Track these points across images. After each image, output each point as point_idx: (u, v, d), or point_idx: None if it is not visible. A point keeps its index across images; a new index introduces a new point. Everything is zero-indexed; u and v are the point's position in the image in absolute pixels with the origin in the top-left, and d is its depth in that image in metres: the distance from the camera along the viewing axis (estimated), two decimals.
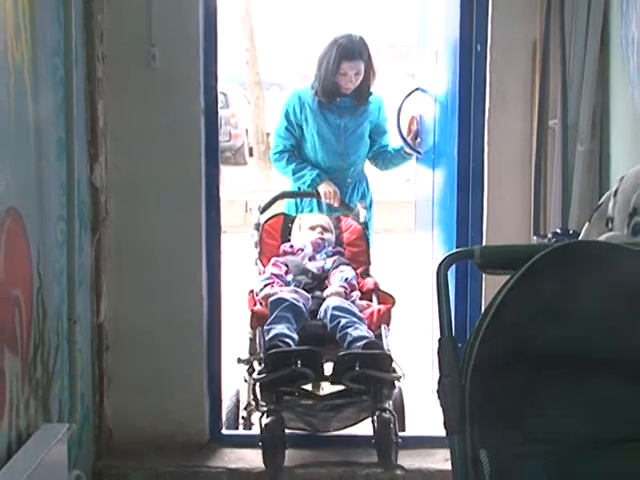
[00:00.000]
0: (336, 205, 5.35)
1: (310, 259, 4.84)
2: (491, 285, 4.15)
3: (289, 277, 4.71)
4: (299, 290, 4.55)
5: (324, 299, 4.54)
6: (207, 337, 4.45)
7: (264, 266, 4.86)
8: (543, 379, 2.04)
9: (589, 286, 2.03)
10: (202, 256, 4.48)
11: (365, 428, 4.45)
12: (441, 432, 4.22)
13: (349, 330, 4.16)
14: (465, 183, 4.56)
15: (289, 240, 5.09)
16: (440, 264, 2.20)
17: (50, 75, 3.69)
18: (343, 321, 4.19)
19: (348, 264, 4.81)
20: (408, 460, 4.41)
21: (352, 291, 4.58)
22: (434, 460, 4.40)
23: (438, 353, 2.11)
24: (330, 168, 5.46)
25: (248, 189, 12.31)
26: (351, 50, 5.31)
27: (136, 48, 4.35)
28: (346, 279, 4.61)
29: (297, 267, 4.79)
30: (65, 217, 3.84)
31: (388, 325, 4.45)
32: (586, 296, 2.03)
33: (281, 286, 4.59)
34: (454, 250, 2.47)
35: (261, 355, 4.21)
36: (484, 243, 4.32)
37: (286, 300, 4.31)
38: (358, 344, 4.08)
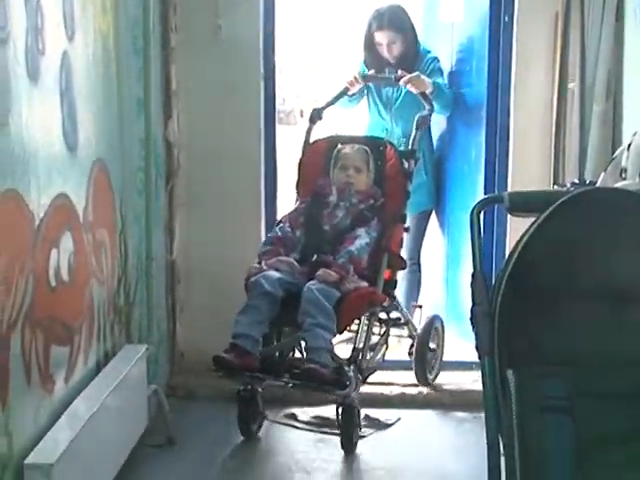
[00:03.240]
0: (416, 90, 4.32)
1: (335, 207, 3.85)
2: (514, 231, 4.14)
3: (298, 232, 3.85)
4: (290, 261, 3.71)
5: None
6: None
7: (301, 197, 4.04)
8: (557, 310, 2.03)
9: (606, 226, 2.03)
10: (261, 200, 4.54)
11: (399, 354, 4.49)
12: (466, 357, 4.36)
13: (307, 336, 3.48)
14: (492, 139, 4.55)
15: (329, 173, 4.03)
16: (473, 208, 2.20)
17: (131, 44, 3.70)
18: (307, 322, 3.46)
19: (368, 220, 3.81)
20: (438, 381, 4.45)
21: (354, 269, 3.68)
22: (462, 382, 4.43)
23: (471, 285, 2.11)
24: (385, 130, 4.77)
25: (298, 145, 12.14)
26: (381, 20, 4.68)
27: (204, 20, 4.36)
28: (351, 255, 3.66)
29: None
30: (143, 168, 3.87)
31: (373, 312, 3.79)
32: (603, 234, 2.03)
33: (279, 252, 3.77)
34: (485, 196, 2.47)
35: None
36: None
37: (261, 286, 3.53)
38: (307, 357, 3.49)
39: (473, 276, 2.12)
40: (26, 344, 2.54)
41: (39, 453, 2.53)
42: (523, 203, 2.18)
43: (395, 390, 4.32)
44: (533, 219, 2.05)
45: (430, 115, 4.21)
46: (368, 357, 3.78)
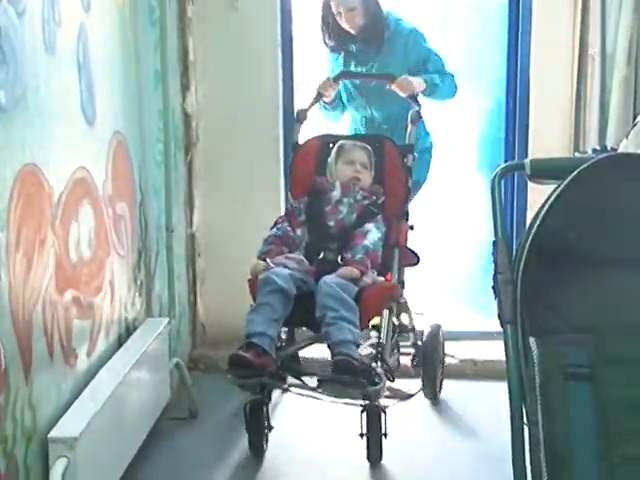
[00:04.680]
0: (405, 94, 3.93)
1: (338, 203, 3.60)
2: (535, 202, 4.12)
3: (299, 232, 3.59)
4: (299, 259, 3.46)
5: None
6: None
7: (294, 197, 3.77)
8: (581, 277, 2.03)
9: (629, 191, 2.01)
10: (281, 170, 4.52)
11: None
12: (487, 328, 4.35)
13: (331, 330, 3.14)
14: (513, 106, 4.52)
15: (324, 171, 3.77)
16: (494, 176, 2.19)
17: (147, 15, 3.69)
18: (329, 315, 3.16)
19: (376, 214, 3.59)
20: (461, 351, 4.45)
21: (371, 265, 3.44)
22: (483, 352, 4.44)
23: (493, 253, 2.11)
24: (364, 119, 4.32)
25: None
26: None
27: None
28: (367, 250, 3.43)
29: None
30: (162, 140, 3.88)
31: (390, 308, 3.47)
32: (626, 200, 2.01)
33: (282, 251, 3.51)
34: (506, 163, 2.46)
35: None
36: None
37: (273, 282, 3.23)
38: (334, 352, 3.12)
39: (494, 244, 2.12)
40: (47, 318, 2.56)
41: (63, 427, 2.56)
42: (545, 170, 2.18)
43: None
44: (554, 186, 2.04)
45: (420, 110, 3.90)
46: (391, 356, 3.49)
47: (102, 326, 3.10)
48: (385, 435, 3.30)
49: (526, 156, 4.35)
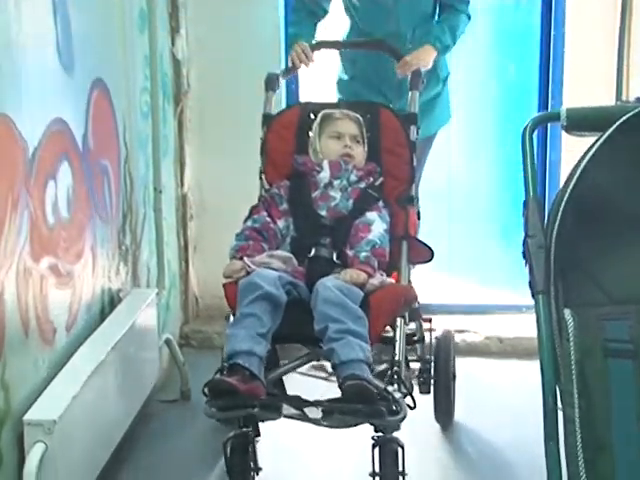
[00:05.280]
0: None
1: (327, 187, 3.27)
2: (570, 158, 4.11)
3: (281, 223, 3.24)
4: (285, 256, 3.09)
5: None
6: None
7: (270, 183, 3.41)
8: (626, 240, 2.01)
9: None
10: None
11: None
12: (516, 301, 4.36)
13: (336, 347, 2.76)
14: (547, 50, 4.49)
15: (305, 148, 3.43)
16: (525, 127, 2.17)
17: None
18: (333, 328, 2.79)
19: (377, 200, 3.27)
20: (487, 327, 4.46)
21: (378, 264, 3.08)
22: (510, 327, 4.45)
23: (524, 214, 2.09)
24: (378, 32, 3.90)
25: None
26: None
27: None
28: (373, 245, 3.09)
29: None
30: (149, 89, 3.87)
31: (404, 316, 3.05)
32: None
33: (262, 249, 3.14)
34: (539, 113, 2.44)
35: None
36: None
37: (259, 287, 2.86)
38: (343, 375, 2.72)
39: (525, 204, 2.10)
40: (21, 289, 2.56)
41: (39, 409, 2.57)
42: (583, 120, 2.15)
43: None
44: (594, 139, 2.02)
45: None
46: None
47: (83, 297, 3.10)
48: (403, 476, 2.80)
49: (561, 106, 4.33)
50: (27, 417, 2.51)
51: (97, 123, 3.23)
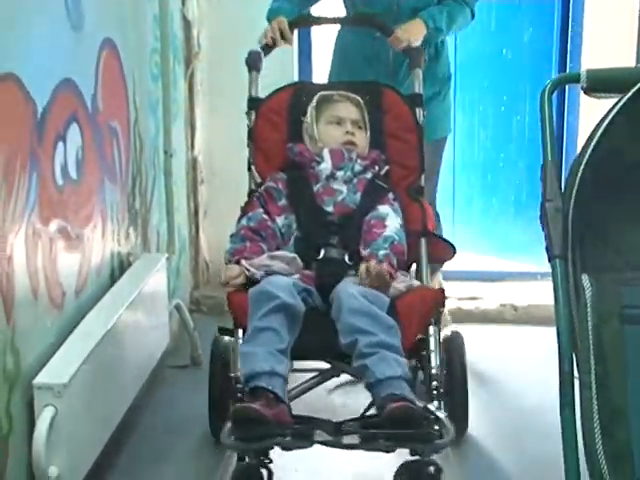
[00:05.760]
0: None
1: (330, 179, 3.01)
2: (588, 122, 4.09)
3: (280, 221, 2.97)
4: (289, 257, 2.83)
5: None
6: None
7: (262, 175, 3.17)
8: None
9: None
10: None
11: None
12: (531, 269, 4.35)
13: (369, 363, 2.49)
14: (566, 11, 4.46)
15: (300, 135, 3.18)
16: (544, 88, 2.15)
17: None
18: (364, 342, 2.52)
19: (387, 191, 3.03)
20: (501, 296, 4.46)
21: (397, 263, 2.82)
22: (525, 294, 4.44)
23: (541, 177, 2.08)
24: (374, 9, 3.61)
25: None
26: None
27: None
28: (392, 242, 2.83)
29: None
30: (159, 50, 3.85)
31: (436, 321, 2.77)
32: None
33: (261, 250, 2.86)
34: (558, 75, 2.42)
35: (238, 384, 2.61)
36: None
37: (274, 296, 2.58)
38: (382, 395, 2.46)
39: (543, 167, 2.09)
40: (30, 251, 2.55)
41: (49, 372, 2.57)
42: (603, 82, 2.13)
43: (449, 304, 4.04)
44: (612, 102, 2.00)
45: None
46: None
47: (92, 261, 3.09)
48: None
49: (579, 68, 4.31)
50: (37, 381, 2.51)
51: (106, 84, 3.21)
